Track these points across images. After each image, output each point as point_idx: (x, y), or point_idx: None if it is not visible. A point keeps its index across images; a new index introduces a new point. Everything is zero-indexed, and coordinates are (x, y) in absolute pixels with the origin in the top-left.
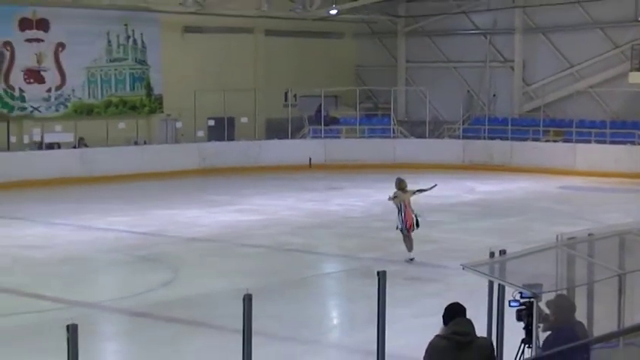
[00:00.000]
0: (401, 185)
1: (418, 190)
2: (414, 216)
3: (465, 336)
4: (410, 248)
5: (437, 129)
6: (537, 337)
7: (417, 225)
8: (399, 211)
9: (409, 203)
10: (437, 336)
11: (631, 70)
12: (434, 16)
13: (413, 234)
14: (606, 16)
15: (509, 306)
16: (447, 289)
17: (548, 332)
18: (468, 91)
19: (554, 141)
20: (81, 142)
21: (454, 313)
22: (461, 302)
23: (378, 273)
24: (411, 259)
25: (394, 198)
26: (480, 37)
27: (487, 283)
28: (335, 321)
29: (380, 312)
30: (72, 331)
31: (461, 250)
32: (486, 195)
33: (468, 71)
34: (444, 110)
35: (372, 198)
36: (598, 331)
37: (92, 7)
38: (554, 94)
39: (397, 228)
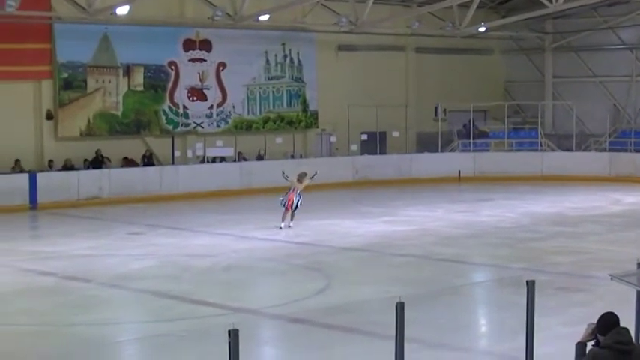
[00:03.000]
0: (298, 178)
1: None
2: (295, 200)
3: (628, 345)
4: (283, 220)
5: (583, 142)
6: None
7: (296, 208)
8: (288, 192)
9: (296, 191)
10: (595, 345)
11: None
12: (581, 32)
13: (290, 214)
14: None
15: None
16: (595, 298)
17: None
18: (614, 104)
19: None
20: (240, 157)
21: (611, 322)
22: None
23: (527, 282)
24: (280, 228)
25: (290, 182)
26: (626, 52)
27: (634, 293)
28: (484, 328)
29: (529, 320)
30: (233, 335)
31: (608, 261)
32: (633, 206)
33: (614, 85)
34: (590, 124)
35: (521, 209)
36: None
37: (251, 28)
38: None
39: (280, 202)
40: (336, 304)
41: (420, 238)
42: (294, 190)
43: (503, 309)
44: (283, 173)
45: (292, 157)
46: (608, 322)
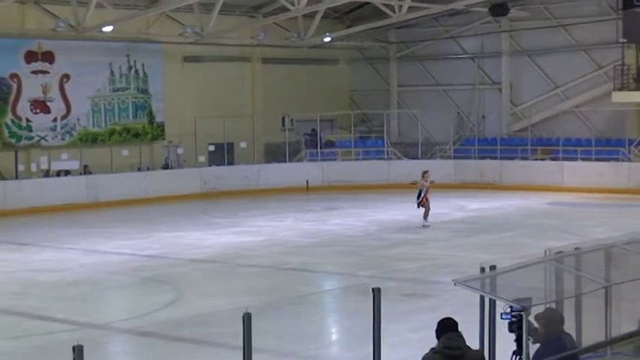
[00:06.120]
0: (424, 177)
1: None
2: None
3: (456, 350)
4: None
5: (429, 150)
6: (528, 350)
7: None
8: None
9: (426, 189)
10: (430, 350)
11: (614, 90)
12: (424, 41)
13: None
14: (589, 39)
15: (501, 319)
16: (442, 303)
17: (538, 344)
18: (458, 112)
19: (542, 159)
20: (86, 170)
21: (446, 327)
22: (455, 316)
23: (373, 290)
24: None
25: (420, 184)
26: (469, 61)
27: (479, 298)
28: (334, 336)
29: (375, 327)
30: (77, 351)
31: (454, 266)
32: (477, 212)
33: (458, 94)
34: (435, 132)
35: (368, 217)
36: (586, 341)
37: (95, 39)
38: (541, 114)
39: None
40: (186, 316)
41: (269, 248)
42: (425, 189)
43: (352, 317)
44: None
45: (139, 169)
46: (443, 327)
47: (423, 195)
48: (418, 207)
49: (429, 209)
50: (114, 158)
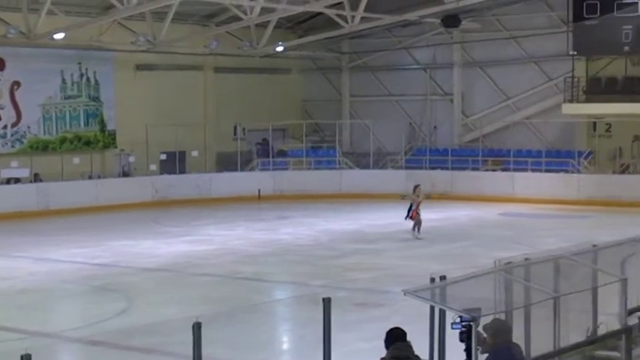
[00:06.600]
0: (415, 192)
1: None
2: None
3: (404, 359)
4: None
5: (381, 160)
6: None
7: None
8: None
9: (417, 204)
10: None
11: (564, 102)
12: (376, 52)
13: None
14: (540, 51)
15: (452, 328)
16: (393, 313)
17: (487, 354)
18: (410, 123)
19: (493, 170)
20: (36, 178)
21: (394, 337)
22: (406, 326)
23: (324, 300)
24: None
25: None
26: (421, 72)
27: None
28: (285, 345)
29: (325, 337)
30: None
31: (405, 276)
32: (429, 222)
33: (410, 104)
34: (387, 142)
35: (320, 227)
36: (535, 351)
37: (47, 47)
38: (492, 125)
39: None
40: (137, 325)
41: (221, 257)
42: (416, 204)
43: (304, 326)
44: (401, 197)
45: (90, 177)
46: (391, 336)
47: (413, 209)
48: (406, 219)
49: (420, 222)
50: (65, 166)
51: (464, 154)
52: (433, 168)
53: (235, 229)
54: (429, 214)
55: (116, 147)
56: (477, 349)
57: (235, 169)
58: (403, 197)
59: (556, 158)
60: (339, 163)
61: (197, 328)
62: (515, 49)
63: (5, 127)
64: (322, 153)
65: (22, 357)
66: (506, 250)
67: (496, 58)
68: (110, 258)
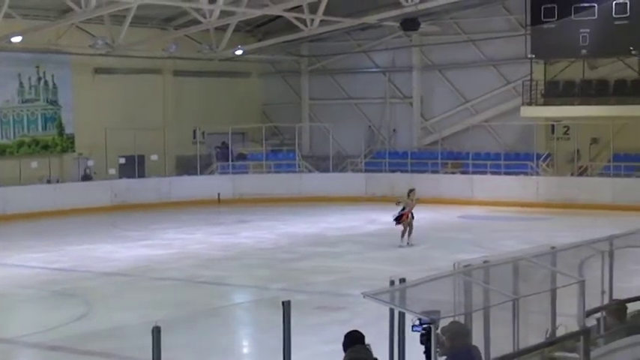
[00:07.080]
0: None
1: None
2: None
3: None
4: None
5: (340, 163)
6: None
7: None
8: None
9: (411, 207)
10: None
11: (522, 105)
12: (335, 55)
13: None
14: (499, 54)
15: (412, 331)
16: (354, 316)
17: (445, 357)
18: (370, 126)
19: (453, 173)
20: None
21: (352, 340)
22: (367, 328)
23: (283, 303)
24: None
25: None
26: (380, 75)
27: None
28: (245, 349)
29: (285, 340)
30: None
31: (365, 279)
32: (388, 225)
33: (369, 107)
34: (346, 145)
35: (280, 230)
36: (495, 353)
37: (4, 50)
38: (451, 128)
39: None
40: (96, 330)
41: (180, 262)
42: (410, 208)
43: (264, 330)
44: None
45: (49, 181)
46: (350, 339)
47: (405, 212)
48: (396, 223)
49: (412, 228)
50: (22, 170)
51: (423, 157)
52: (393, 171)
53: (195, 233)
54: (389, 217)
55: (74, 151)
56: (436, 352)
57: (195, 173)
58: (398, 202)
59: (515, 161)
60: (299, 167)
61: (156, 332)
62: (474, 52)
63: None
64: (282, 156)
65: None
66: (466, 253)
67: (455, 61)
68: (69, 262)
